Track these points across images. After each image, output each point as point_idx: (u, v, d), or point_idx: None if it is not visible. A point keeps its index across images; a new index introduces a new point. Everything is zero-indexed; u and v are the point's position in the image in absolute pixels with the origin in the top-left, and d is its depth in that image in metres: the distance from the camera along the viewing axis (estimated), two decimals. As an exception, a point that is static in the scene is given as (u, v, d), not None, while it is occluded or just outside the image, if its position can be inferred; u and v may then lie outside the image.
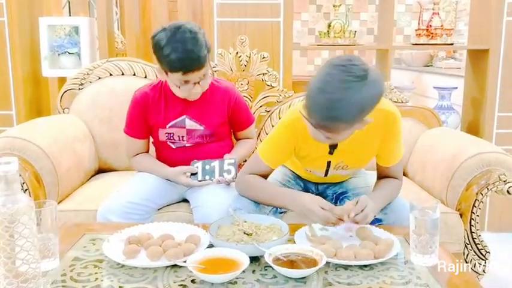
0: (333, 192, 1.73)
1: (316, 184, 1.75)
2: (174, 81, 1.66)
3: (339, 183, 1.74)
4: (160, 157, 1.86)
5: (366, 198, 1.37)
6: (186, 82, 1.65)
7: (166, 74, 1.66)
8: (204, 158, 1.72)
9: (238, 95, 1.88)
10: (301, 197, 1.40)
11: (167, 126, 1.78)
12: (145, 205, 1.65)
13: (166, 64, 1.61)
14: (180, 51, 1.57)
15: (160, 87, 1.79)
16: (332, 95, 1.20)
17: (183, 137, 1.79)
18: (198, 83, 1.67)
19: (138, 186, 1.71)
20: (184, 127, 1.78)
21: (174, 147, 1.81)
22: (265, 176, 1.58)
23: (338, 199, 1.70)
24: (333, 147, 1.48)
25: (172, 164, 1.77)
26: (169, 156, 1.82)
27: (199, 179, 1.70)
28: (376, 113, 1.33)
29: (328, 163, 1.56)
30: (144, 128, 1.81)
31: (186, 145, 1.80)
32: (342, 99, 1.20)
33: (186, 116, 1.77)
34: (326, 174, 1.61)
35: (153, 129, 1.81)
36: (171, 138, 1.79)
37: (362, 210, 1.33)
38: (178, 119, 1.77)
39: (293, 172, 1.78)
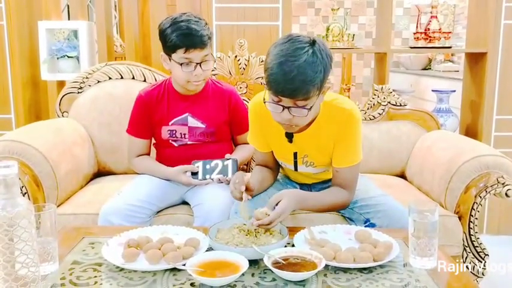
0: None
1: (309, 186, 1.75)
2: (178, 60, 1.69)
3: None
4: (161, 157, 1.88)
5: (279, 211, 1.31)
6: (189, 62, 1.69)
7: (170, 59, 1.72)
8: (205, 158, 1.73)
9: (239, 98, 1.93)
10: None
11: (170, 123, 1.82)
12: (146, 207, 1.66)
13: (170, 43, 1.68)
14: (184, 28, 1.66)
15: (164, 86, 1.85)
16: (294, 61, 1.28)
17: (184, 134, 1.82)
18: (200, 65, 1.69)
19: (139, 189, 1.72)
20: (187, 124, 1.82)
21: (176, 145, 1.84)
22: (269, 163, 1.66)
23: None
24: (289, 136, 1.52)
25: (173, 164, 1.78)
26: (171, 155, 1.84)
27: (200, 178, 1.70)
28: (336, 110, 1.47)
29: (295, 154, 1.59)
30: (147, 127, 1.85)
31: (188, 143, 1.82)
32: (302, 61, 1.29)
33: (189, 113, 1.82)
34: (296, 169, 1.64)
35: (156, 127, 1.84)
36: (173, 135, 1.82)
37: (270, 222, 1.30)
38: (181, 117, 1.82)
39: (285, 176, 1.79)
